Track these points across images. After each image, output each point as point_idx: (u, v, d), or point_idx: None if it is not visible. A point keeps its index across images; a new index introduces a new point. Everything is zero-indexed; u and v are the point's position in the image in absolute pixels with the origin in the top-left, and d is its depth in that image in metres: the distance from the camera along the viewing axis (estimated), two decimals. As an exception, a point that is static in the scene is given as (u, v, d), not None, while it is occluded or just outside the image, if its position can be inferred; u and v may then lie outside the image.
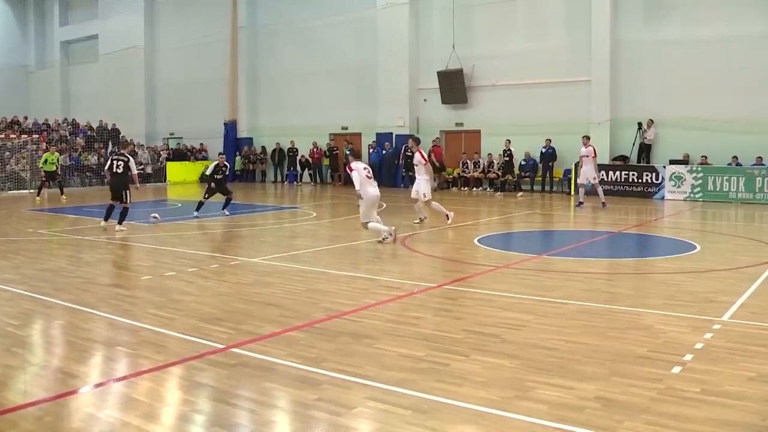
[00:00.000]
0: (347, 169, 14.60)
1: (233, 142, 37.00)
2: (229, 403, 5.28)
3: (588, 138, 21.67)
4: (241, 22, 36.43)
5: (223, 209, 19.33)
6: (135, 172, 16.23)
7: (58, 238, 15.28)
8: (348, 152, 16.30)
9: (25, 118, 38.57)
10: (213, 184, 19.22)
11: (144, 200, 26.04)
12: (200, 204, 18.88)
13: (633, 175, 24.95)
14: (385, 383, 5.56)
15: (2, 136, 33.94)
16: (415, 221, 16.57)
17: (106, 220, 16.13)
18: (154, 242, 14.31)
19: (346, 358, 6.23)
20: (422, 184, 16.36)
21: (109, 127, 39.30)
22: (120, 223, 15.80)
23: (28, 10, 46.05)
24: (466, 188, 28.93)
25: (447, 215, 16.32)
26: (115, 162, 16.06)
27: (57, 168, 26.66)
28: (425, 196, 16.25)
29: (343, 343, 6.74)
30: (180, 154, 38.42)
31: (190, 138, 39.13)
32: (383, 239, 13.14)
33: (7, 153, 33.76)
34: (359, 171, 13.38)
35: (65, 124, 39.70)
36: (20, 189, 32.32)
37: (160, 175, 37.02)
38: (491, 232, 15.70)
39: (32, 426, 4.96)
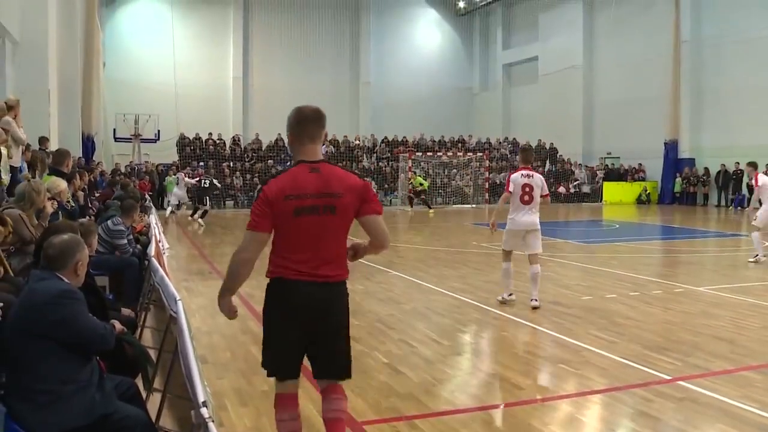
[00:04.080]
0: None
1: (673, 162, 35.43)
2: (679, 440, 5.05)
3: None
4: (684, 36, 34.55)
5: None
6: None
7: (500, 252, 16.03)
8: None
9: (470, 136, 41.55)
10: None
11: (578, 219, 26.38)
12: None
13: None
14: None
15: (450, 153, 37.13)
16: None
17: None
18: (592, 263, 14.35)
19: (814, 411, 5.55)
20: None
21: (547, 146, 40.53)
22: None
23: (474, 37, 49.49)
24: None
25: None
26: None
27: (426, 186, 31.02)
28: None
29: (809, 392, 6.01)
30: (616, 174, 38.09)
31: (628, 158, 38.32)
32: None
33: (454, 170, 36.87)
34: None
35: (506, 143, 41.87)
36: (463, 203, 34.92)
37: (596, 195, 37.18)
38: None
39: (481, 429, 5.27)
